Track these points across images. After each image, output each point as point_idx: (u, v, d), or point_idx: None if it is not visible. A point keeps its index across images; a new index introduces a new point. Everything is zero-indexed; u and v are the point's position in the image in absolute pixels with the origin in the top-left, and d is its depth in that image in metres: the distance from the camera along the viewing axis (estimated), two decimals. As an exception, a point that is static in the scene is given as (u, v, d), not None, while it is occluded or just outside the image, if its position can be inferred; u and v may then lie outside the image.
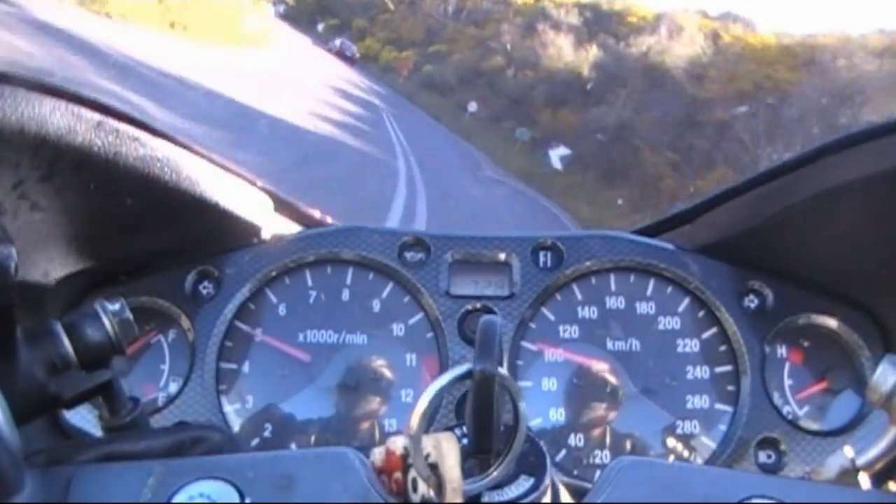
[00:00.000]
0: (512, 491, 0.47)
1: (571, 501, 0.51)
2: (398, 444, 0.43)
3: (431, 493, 0.42)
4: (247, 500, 0.40)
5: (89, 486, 0.41)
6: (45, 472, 0.41)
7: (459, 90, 30.93)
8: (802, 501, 0.44)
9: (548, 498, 0.48)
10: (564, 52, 28.49)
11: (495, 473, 0.46)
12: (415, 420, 0.42)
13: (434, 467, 0.41)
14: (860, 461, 0.52)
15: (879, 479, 0.53)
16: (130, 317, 0.54)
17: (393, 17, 43.73)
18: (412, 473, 0.42)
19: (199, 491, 0.41)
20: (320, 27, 44.93)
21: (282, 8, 40.64)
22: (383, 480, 0.44)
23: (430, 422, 0.86)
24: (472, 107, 28.06)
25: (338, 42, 39.25)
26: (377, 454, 0.45)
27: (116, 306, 0.54)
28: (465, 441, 0.49)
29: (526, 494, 0.46)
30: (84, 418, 0.84)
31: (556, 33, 29.67)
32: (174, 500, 0.40)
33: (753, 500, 0.43)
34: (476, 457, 0.47)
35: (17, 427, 0.41)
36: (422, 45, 38.44)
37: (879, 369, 0.52)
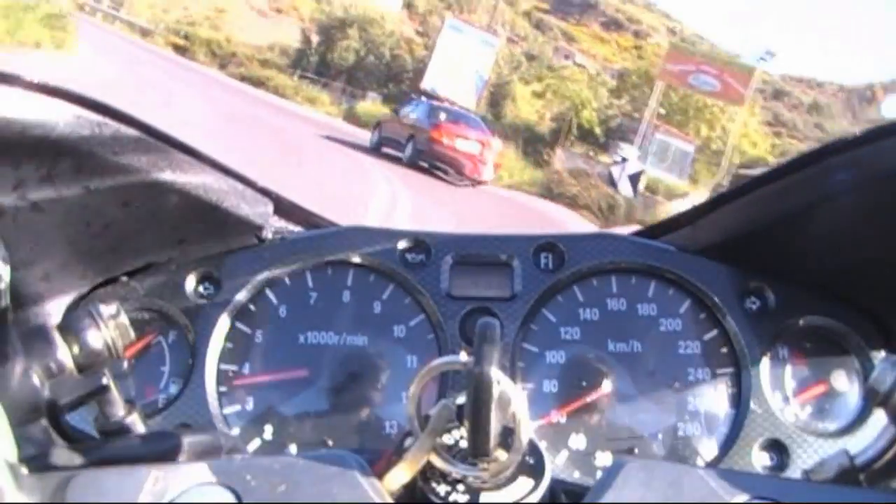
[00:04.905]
0: (511, 493, 0.47)
1: (570, 503, 0.50)
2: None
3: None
4: None
5: (86, 490, 0.41)
6: (42, 476, 0.41)
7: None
8: (802, 502, 0.44)
9: (546, 500, 0.48)
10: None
11: (494, 475, 0.46)
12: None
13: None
14: (859, 460, 0.52)
15: (879, 478, 0.52)
16: (126, 320, 0.54)
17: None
18: None
19: (198, 495, 0.41)
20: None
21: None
22: None
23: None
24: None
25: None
26: None
27: (112, 309, 0.53)
28: (463, 443, 0.49)
29: (525, 496, 0.46)
30: (85, 420, 0.84)
31: None
32: None
33: (753, 502, 0.43)
34: (474, 459, 0.47)
35: (16, 428, 0.41)
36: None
37: (877, 370, 0.52)
